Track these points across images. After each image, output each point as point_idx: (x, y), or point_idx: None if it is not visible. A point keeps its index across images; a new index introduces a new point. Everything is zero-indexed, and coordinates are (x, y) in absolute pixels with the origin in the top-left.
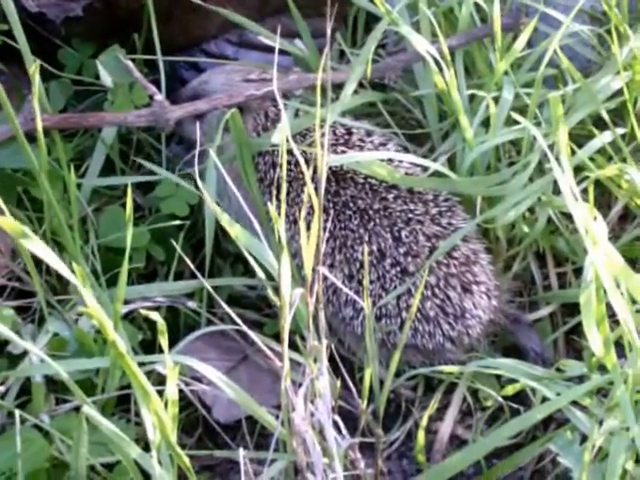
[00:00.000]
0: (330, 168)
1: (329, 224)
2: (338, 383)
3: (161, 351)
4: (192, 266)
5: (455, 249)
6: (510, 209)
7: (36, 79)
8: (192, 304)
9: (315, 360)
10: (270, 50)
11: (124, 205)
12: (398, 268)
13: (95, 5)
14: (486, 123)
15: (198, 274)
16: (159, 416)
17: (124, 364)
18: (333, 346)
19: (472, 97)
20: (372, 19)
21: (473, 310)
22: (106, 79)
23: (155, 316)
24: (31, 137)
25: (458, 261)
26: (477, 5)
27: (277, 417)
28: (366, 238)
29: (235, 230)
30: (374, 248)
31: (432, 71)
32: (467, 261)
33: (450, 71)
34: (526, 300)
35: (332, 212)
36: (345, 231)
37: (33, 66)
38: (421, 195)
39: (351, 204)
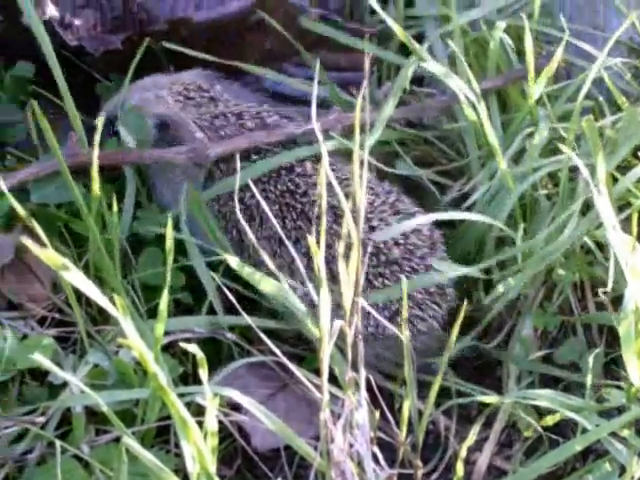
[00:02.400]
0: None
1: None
2: (377, 414)
3: (199, 381)
4: (233, 300)
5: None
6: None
7: (77, 116)
8: (232, 336)
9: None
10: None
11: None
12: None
13: (133, 38)
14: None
15: (239, 308)
16: (198, 448)
17: (164, 397)
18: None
19: (505, 127)
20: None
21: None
22: (128, 139)
23: (194, 349)
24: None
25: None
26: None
27: (315, 448)
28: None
29: (261, 282)
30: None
31: (468, 112)
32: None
33: (484, 110)
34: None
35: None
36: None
37: (69, 103)
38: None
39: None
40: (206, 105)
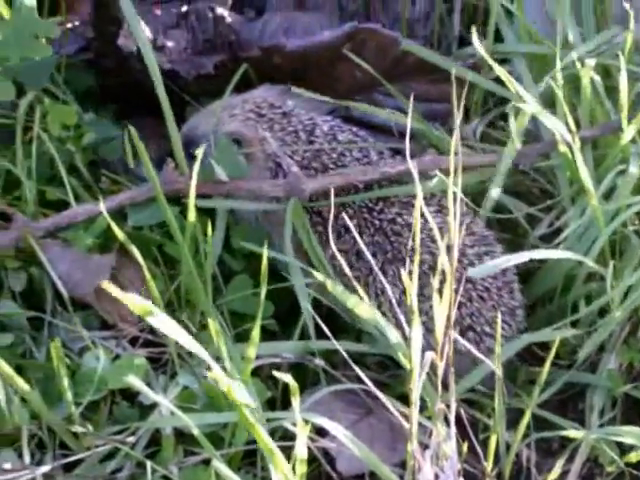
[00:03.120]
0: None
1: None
2: (465, 447)
3: (286, 405)
4: (322, 325)
5: None
6: None
7: (178, 141)
8: (319, 362)
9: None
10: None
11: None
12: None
13: (225, 63)
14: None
15: (329, 333)
16: (287, 476)
17: (252, 430)
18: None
19: (597, 164)
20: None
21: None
22: (222, 175)
23: (286, 377)
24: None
25: None
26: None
27: (400, 476)
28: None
29: (355, 306)
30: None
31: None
32: None
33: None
34: None
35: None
36: (396, 244)
37: (172, 127)
38: None
39: (399, 219)
40: (279, 122)
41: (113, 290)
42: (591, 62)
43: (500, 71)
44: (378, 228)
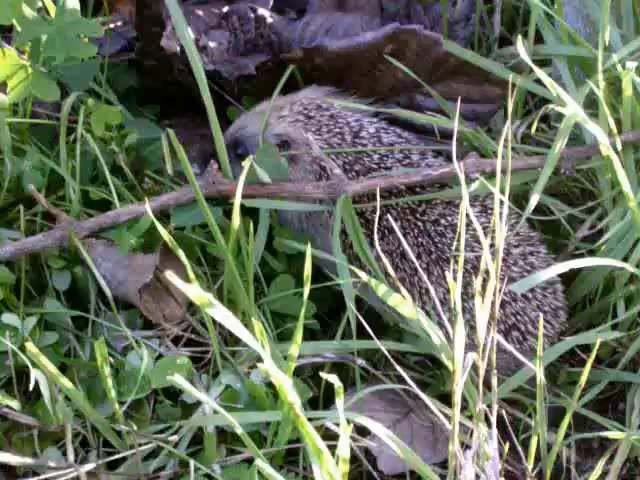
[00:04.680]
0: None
1: (421, 239)
2: (506, 447)
3: (326, 405)
4: (366, 325)
5: None
6: None
7: (222, 144)
8: (361, 362)
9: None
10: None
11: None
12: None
13: (267, 63)
14: None
15: (372, 334)
16: (330, 474)
17: (300, 426)
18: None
19: (638, 167)
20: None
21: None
22: (264, 177)
23: (331, 377)
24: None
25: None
26: None
27: (441, 476)
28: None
29: (399, 305)
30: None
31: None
32: None
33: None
34: None
35: (421, 229)
36: (440, 245)
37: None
38: None
39: (442, 220)
40: (326, 123)
41: (170, 278)
42: (632, 65)
43: (541, 74)
44: (422, 229)
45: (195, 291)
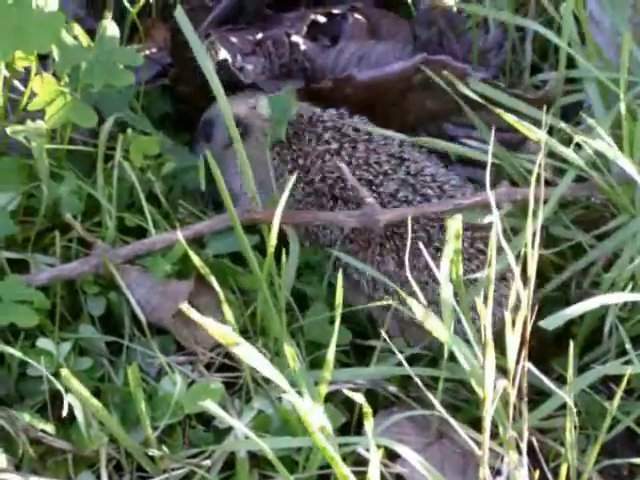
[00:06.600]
0: None
1: None
2: (536, 474)
3: (358, 429)
4: (399, 354)
5: None
6: None
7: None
8: (393, 389)
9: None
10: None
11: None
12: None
13: (299, 91)
14: None
15: (404, 361)
16: None
17: (326, 455)
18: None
19: None
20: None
21: None
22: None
23: (360, 399)
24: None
25: None
26: None
27: None
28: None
29: (435, 329)
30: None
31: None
32: None
33: None
34: None
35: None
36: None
37: None
38: None
39: (471, 250)
40: (346, 149)
41: (193, 314)
42: None
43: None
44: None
45: (220, 331)
